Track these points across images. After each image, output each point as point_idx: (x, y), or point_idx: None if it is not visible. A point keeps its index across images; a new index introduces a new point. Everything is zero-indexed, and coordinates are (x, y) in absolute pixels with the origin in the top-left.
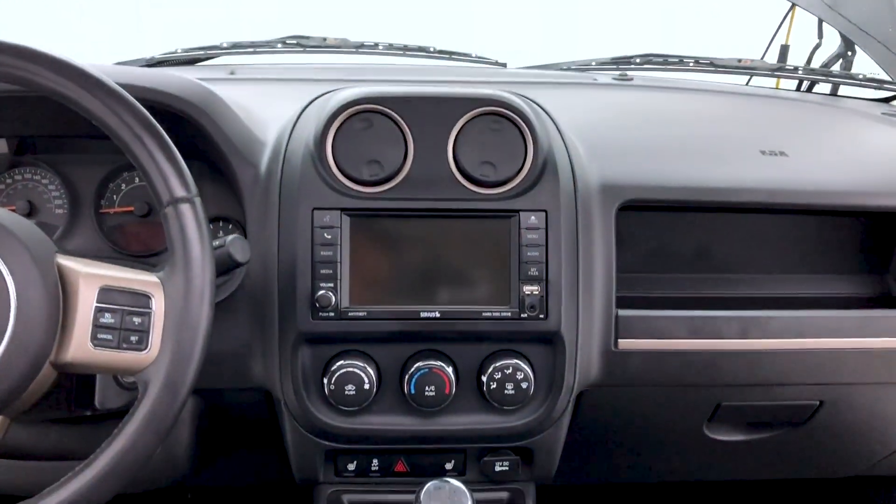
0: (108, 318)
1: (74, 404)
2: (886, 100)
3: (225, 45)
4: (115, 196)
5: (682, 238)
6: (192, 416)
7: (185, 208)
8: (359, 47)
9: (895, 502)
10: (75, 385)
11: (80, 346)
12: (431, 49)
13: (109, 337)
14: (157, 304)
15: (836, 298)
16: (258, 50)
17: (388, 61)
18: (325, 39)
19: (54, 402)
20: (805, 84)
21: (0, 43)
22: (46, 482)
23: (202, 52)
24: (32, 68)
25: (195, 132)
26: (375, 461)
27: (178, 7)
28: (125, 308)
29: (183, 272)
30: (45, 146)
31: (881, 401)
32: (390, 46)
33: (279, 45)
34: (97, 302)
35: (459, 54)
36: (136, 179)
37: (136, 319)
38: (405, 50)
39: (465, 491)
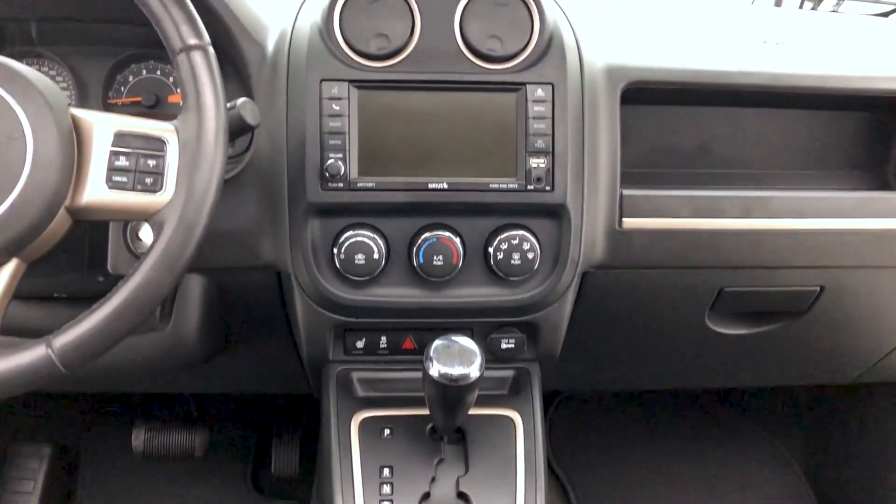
0: (122, 161)
1: (87, 268)
2: (886, 14)
3: None
4: (122, 87)
5: (684, 135)
6: (200, 297)
7: (197, 55)
8: None
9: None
10: (88, 252)
11: (96, 189)
12: None
13: (124, 179)
14: (171, 148)
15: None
16: None
17: None
18: None
19: (69, 268)
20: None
21: None
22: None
23: None
24: None
25: (204, 11)
26: (384, 338)
27: None
28: (140, 151)
29: (196, 116)
30: (53, 37)
31: (879, 287)
32: None
33: None
34: (112, 146)
35: None
36: (144, 71)
37: (151, 162)
38: None
39: (474, 348)
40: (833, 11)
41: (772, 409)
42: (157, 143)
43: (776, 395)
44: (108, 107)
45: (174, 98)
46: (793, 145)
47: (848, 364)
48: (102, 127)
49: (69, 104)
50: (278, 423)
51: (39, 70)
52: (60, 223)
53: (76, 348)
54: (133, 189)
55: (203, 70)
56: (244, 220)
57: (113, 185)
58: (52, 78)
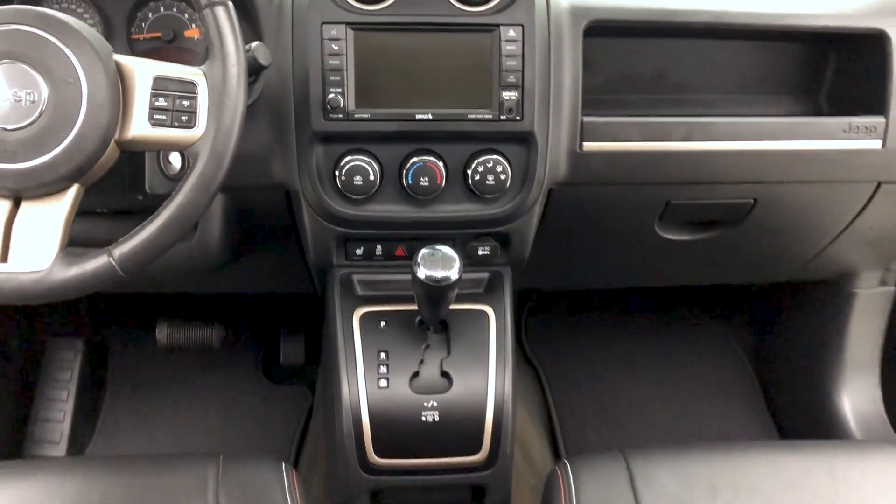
0: (161, 102)
1: (129, 189)
2: None
3: None
4: (143, 23)
5: (641, 63)
6: (222, 211)
7: (220, 10)
8: None
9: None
10: (129, 175)
11: (140, 125)
12: None
13: (164, 117)
14: (201, 90)
15: (774, 115)
16: None
17: None
18: None
19: (114, 188)
20: None
21: None
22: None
23: None
24: None
25: None
26: (379, 247)
27: None
28: (175, 93)
29: (221, 63)
30: None
31: (806, 198)
32: None
33: None
34: (152, 89)
35: None
36: (162, 9)
37: (185, 102)
38: None
39: (454, 255)
40: None
41: (723, 304)
42: (190, 87)
43: (727, 292)
44: (131, 42)
45: (190, 33)
46: (738, 72)
47: (781, 265)
48: (142, 72)
49: (112, 50)
50: (285, 319)
51: (69, 8)
52: (111, 154)
53: (132, 257)
54: (171, 126)
55: (225, 23)
56: (257, 146)
57: (154, 122)
58: (80, 16)
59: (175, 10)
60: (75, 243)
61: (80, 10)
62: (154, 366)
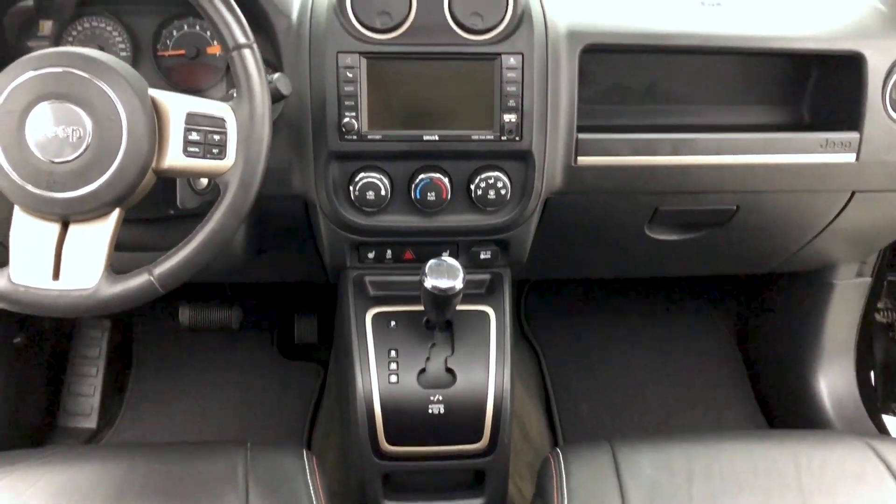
0: (194, 136)
1: (161, 204)
2: None
3: None
4: (168, 41)
5: (635, 76)
6: (245, 219)
7: (247, 52)
8: None
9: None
10: (162, 191)
11: (176, 156)
12: None
13: (197, 149)
14: (230, 125)
15: (759, 125)
16: None
17: None
18: None
19: (148, 203)
20: None
21: None
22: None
23: None
24: None
25: None
26: (389, 251)
27: None
28: (207, 128)
29: (248, 101)
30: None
31: (785, 205)
32: None
33: None
34: (185, 123)
35: None
36: (185, 27)
37: (216, 136)
38: None
39: (458, 266)
40: None
41: (712, 290)
42: (220, 122)
43: (716, 280)
44: (157, 58)
45: (212, 49)
46: (726, 84)
47: (762, 260)
48: (176, 107)
49: (147, 85)
50: (299, 303)
51: (99, 27)
52: (148, 180)
53: (170, 275)
54: (203, 157)
55: (252, 64)
56: (279, 160)
57: (188, 153)
58: (110, 34)
59: (198, 27)
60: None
61: (109, 29)
62: (176, 345)
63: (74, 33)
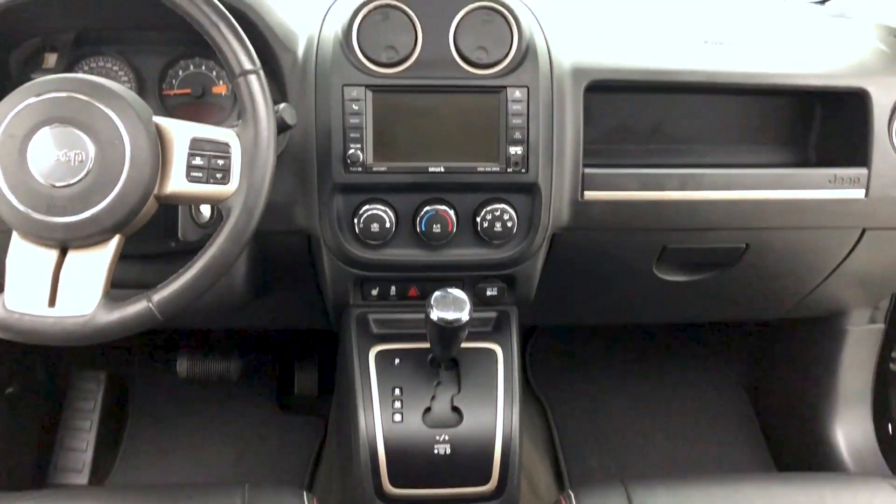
0: (198, 161)
1: (163, 237)
2: (822, 1)
3: None
4: (174, 80)
5: (639, 116)
6: (248, 255)
7: (253, 78)
8: None
9: (821, 344)
10: (163, 224)
11: (178, 182)
12: None
13: (200, 174)
14: (235, 150)
15: (765, 164)
16: None
17: None
18: None
19: (149, 236)
20: None
21: None
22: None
23: None
24: None
25: (246, 25)
26: (393, 287)
27: None
28: (210, 153)
29: (253, 126)
30: (117, 40)
31: (795, 243)
32: None
33: None
34: (189, 149)
35: None
36: (191, 67)
37: (220, 161)
38: None
39: (465, 298)
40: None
41: (720, 338)
42: (224, 147)
43: (725, 328)
44: (163, 97)
45: (218, 89)
46: (731, 124)
47: (774, 304)
48: (181, 133)
49: (152, 112)
50: (299, 353)
51: (105, 66)
52: (150, 207)
53: (170, 302)
54: (207, 182)
55: (257, 90)
56: (282, 195)
57: (191, 178)
58: (116, 73)
59: (204, 67)
60: (111, 284)
61: (115, 69)
62: (174, 397)
63: (80, 71)
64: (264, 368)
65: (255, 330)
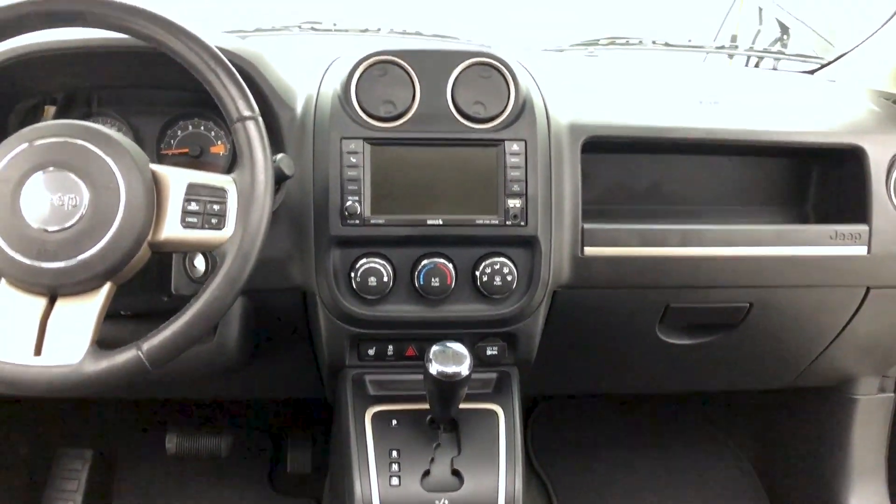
0: (193, 206)
1: (155, 291)
2: (811, 71)
3: (250, 28)
4: (172, 140)
5: (636, 176)
6: (240, 315)
7: (251, 124)
8: (363, 31)
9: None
10: (155, 278)
11: (173, 227)
12: (425, 33)
13: (195, 220)
14: (231, 195)
15: (764, 223)
16: (278, 32)
17: (389, 43)
18: (335, 24)
19: (141, 291)
20: (752, 62)
21: (113, 1)
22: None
23: (230, 34)
24: (134, 20)
25: (245, 81)
26: (390, 347)
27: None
28: (206, 198)
29: (250, 171)
30: (116, 100)
31: (799, 303)
32: (391, 30)
33: (296, 29)
34: (185, 194)
35: (450, 37)
36: (189, 127)
37: (216, 206)
38: (403, 33)
39: (465, 351)
40: (773, 69)
41: (725, 411)
42: (220, 192)
43: (728, 399)
44: (161, 157)
45: (216, 149)
46: (728, 184)
47: (781, 371)
48: (177, 179)
49: (148, 160)
50: (292, 427)
51: (105, 125)
52: (143, 254)
53: (160, 350)
54: (202, 227)
55: (255, 135)
56: (278, 251)
57: (186, 224)
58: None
59: (202, 128)
60: (101, 345)
61: (113, 128)
62: (161, 475)
63: None
64: (256, 443)
65: (247, 402)
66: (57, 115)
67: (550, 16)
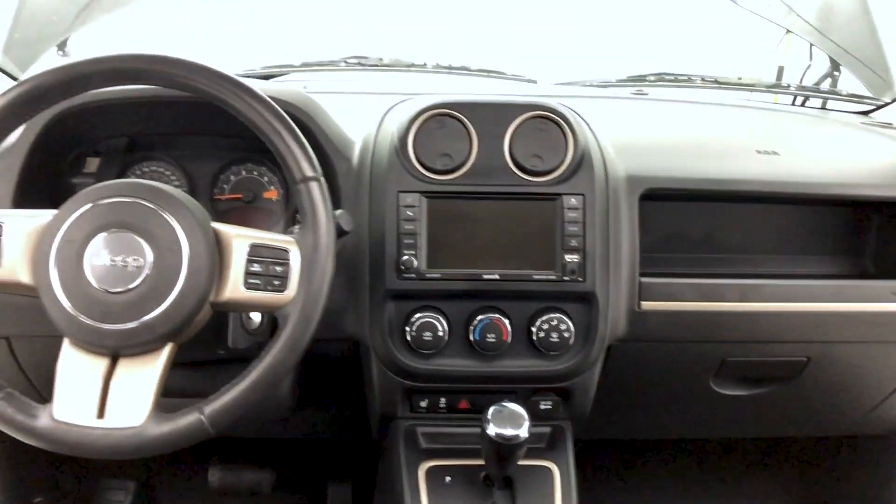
0: (256, 267)
1: (212, 344)
2: (866, 112)
3: (297, 63)
4: (225, 185)
5: (693, 225)
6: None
7: (314, 185)
8: (409, 66)
9: (882, 464)
10: (213, 331)
11: (235, 289)
12: (472, 68)
13: (258, 281)
14: (294, 257)
15: (821, 275)
16: (325, 68)
17: (435, 79)
18: (381, 59)
19: (197, 343)
20: (799, 100)
21: (176, 60)
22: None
23: (277, 69)
24: (197, 78)
25: (303, 132)
26: (443, 399)
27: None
28: (269, 259)
29: (313, 233)
30: (167, 144)
31: (858, 359)
32: (437, 65)
33: (342, 64)
34: (248, 255)
35: (496, 72)
36: (243, 172)
37: (279, 268)
38: (449, 68)
39: (523, 413)
40: (822, 108)
41: (774, 459)
42: (283, 253)
43: (777, 446)
44: (214, 202)
45: (269, 194)
46: (784, 233)
47: (835, 421)
48: (239, 239)
49: (211, 218)
50: (334, 467)
51: (158, 170)
52: (204, 314)
53: (222, 414)
54: (264, 289)
55: (318, 197)
56: (332, 301)
57: (249, 285)
58: (168, 178)
59: (256, 173)
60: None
61: (167, 173)
62: None
63: (139, 174)
64: (298, 481)
65: (291, 439)
66: (101, 165)
67: (595, 49)
